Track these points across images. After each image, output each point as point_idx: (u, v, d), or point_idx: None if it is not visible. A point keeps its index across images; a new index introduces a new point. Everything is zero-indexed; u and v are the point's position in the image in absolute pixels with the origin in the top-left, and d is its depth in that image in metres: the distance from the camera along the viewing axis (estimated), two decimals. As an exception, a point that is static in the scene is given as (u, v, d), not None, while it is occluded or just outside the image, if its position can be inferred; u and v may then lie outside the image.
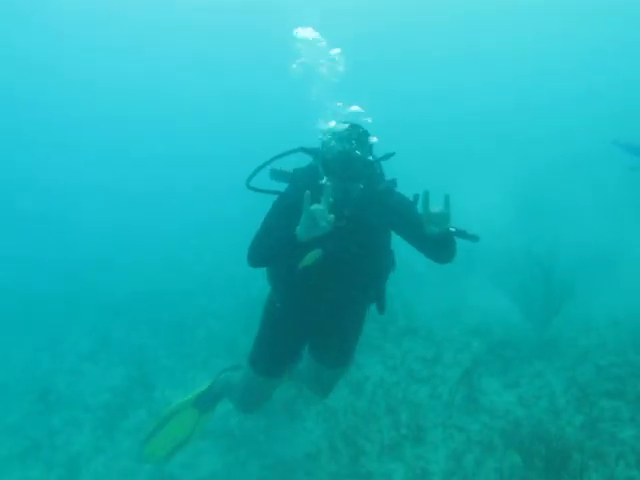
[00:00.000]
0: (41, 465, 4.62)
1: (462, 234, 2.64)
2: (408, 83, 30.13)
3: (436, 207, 2.46)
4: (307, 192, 2.32)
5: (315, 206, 2.35)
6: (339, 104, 2.84)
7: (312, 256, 2.56)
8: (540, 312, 5.80)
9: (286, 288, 2.96)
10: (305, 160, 2.96)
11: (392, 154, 2.85)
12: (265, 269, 3.05)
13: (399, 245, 3.02)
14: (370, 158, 2.73)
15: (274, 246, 2.63)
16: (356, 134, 2.68)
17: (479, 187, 11.67)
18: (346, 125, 2.72)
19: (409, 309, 6.94)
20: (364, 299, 3.06)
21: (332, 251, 2.65)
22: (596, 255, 7.64)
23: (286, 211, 2.71)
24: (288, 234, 2.46)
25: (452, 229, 2.58)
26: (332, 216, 2.35)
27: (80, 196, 21.99)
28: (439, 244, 2.64)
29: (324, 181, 2.64)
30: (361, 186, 2.72)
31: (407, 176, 3.37)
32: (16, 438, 5.00)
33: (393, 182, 2.88)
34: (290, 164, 2.95)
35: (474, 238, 2.64)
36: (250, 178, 2.86)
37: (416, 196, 2.71)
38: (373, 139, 2.76)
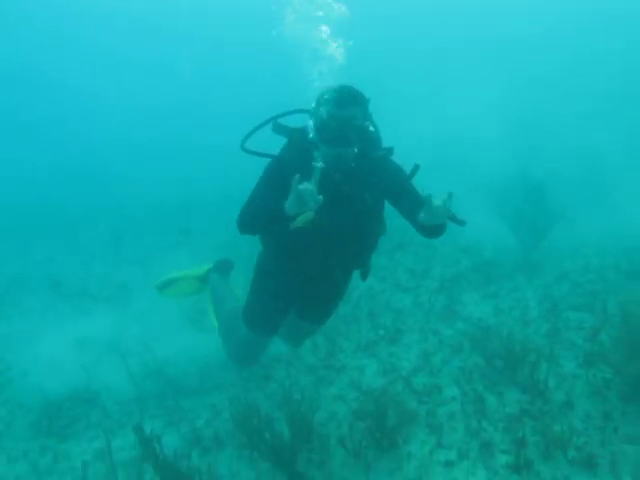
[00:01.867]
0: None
1: (451, 218, 2.61)
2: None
3: (438, 201, 2.42)
4: (296, 176, 2.29)
5: (304, 185, 2.30)
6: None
7: (304, 218, 2.58)
8: (529, 234, 5.97)
9: (277, 248, 3.01)
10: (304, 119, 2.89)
11: (391, 149, 2.83)
12: None
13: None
14: (367, 125, 2.69)
15: (263, 218, 2.65)
16: (351, 97, 2.61)
17: (476, 105, 11.49)
18: (341, 86, 2.65)
19: (405, 225, 7.14)
20: (351, 265, 3.14)
21: (324, 215, 2.67)
22: (592, 181, 7.66)
23: (278, 177, 2.69)
24: (277, 208, 2.45)
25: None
26: (320, 197, 2.32)
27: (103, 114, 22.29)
28: (432, 230, 2.69)
29: (316, 159, 2.61)
30: (355, 150, 2.67)
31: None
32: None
33: (389, 150, 2.84)
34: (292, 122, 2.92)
35: (462, 223, 2.63)
36: (245, 139, 2.83)
37: (415, 167, 2.74)
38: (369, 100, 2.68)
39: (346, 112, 2.57)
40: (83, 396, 4.17)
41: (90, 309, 5.66)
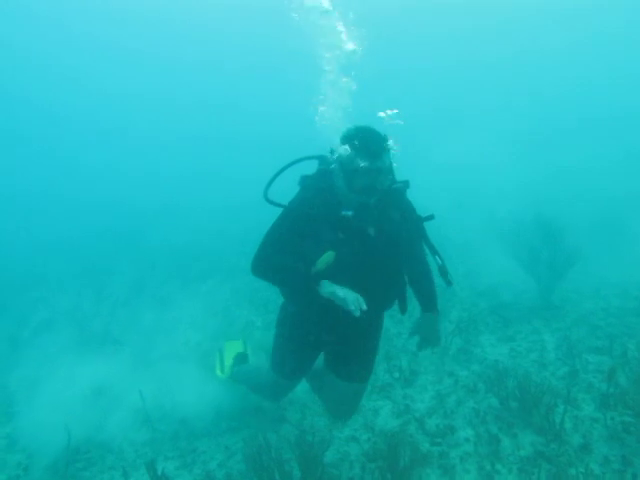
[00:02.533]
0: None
1: (442, 274, 2.77)
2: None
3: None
4: (330, 253, 2.49)
5: (354, 295, 2.43)
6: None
7: (325, 259, 2.52)
8: (546, 276, 5.93)
9: (299, 294, 2.85)
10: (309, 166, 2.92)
11: (407, 182, 2.80)
12: None
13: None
14: (393, 178, 2.75)
15: (284, 276, 2.67)
16: (380, 146, 2.57)
17: (489, 147, 11.62)
18: (366, 133, 2.60)
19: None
20: (382, 306, 2.99)
21: (350, 256, 2.61)
22: (609, 221, 7.61)
23: (301, 223, 2.64)
24: (302, 272, 2.54)
25: (439, 261, 2.78)
26: (365, 307, 2.41)
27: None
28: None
29: (345, 208, 2.60)
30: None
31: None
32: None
33: (406, 183, 2.80)
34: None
35: (449, 283, 2.77)
36: (267, 189, 2.80)
37: (430, 216, 2.77)
38: (393, 147, 2.65)
39: (378, 163, 2.55)
40: (99, 439, 4.21)
41: (111, 353, 5.77)
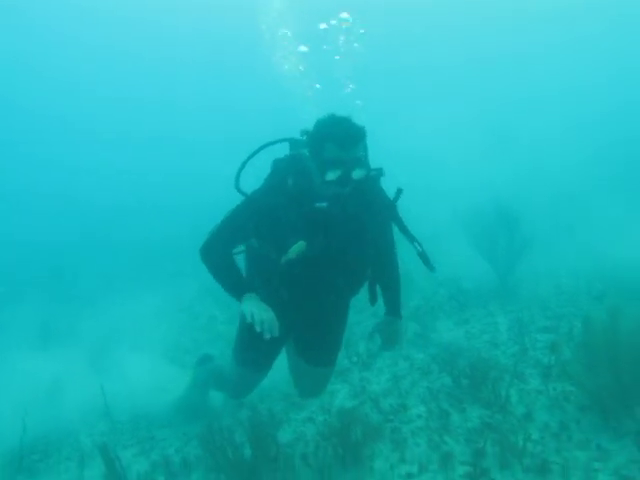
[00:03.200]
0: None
1: (424, 261, 2.79)
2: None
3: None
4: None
5: (269, 318, 2.39)
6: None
7: (296, 249, 2.51)
8: (503, 262, 6.12)
9: (266, 283, 2.77)
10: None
11: (381, 169, 2.71)
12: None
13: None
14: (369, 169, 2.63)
15: (220, 277, 2.65)
16: (356, 136, 2.49)
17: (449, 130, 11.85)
18: (340, 121, 2.51)
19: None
20: (350, 294, 2.99)
21: (321, 244, 2.59)
22: (565, 206, 7.88)
23: (266, 210, 2.60)
24: (233, 285, 2.60)
25: (418, 248, 2.77)
26: (276, 334, 2.39)
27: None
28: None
29: (319, 199, 2.53)
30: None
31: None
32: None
33: (380, 171, 2.71)
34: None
35: (432, 268, 2.80)
36: (237, 178, 2.75)
37: (398, 191, 2.72)
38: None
39: (352, 153, 2.46)
40: (57, 432, 4.19)
41: (72, 348, 5.73)
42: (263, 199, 2.64)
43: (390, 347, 3.24)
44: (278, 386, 4.41)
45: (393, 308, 3.12)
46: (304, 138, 2.68)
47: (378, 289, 3.08)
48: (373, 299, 3.04)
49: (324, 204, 2.51)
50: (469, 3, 25.17)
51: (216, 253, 2.68)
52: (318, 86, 2.96)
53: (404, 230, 2.82)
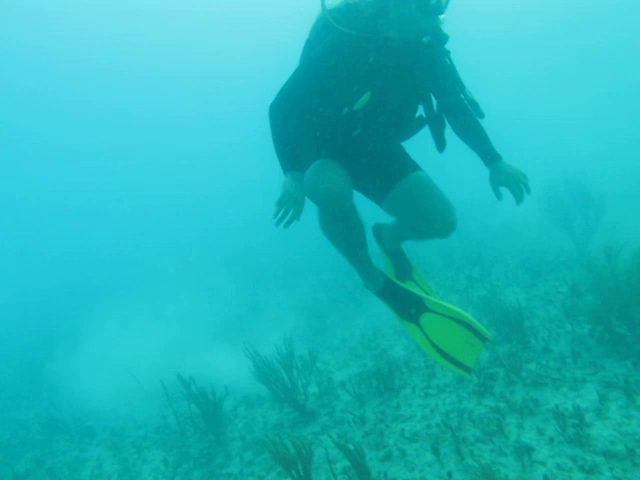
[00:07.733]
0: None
1: (474, 105, 2.62)
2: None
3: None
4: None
5: (296, 206, 2.30)
6: None
7: (363, 100, 2.50)
8: (580, 232, 6.22)
9: (332, 133, 2.67)
10: None
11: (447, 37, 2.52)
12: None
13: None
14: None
15: (278, 142, 2.48)
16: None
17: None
18: None
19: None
20: (400, 139, 2.90)
21: (380, 95, 2.53)
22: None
23: (337, 59, 2.42)
24: (288, 160, 2.43)
25: (469, 95, 2.60)
26: (286, 227, 2.30)
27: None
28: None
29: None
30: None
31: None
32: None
33: (445, 37, 2.51)
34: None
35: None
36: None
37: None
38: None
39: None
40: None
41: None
42: (337, 44, 2.44)
43: (522, 189, 2.61)
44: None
45: (489, 154, 2.68)
46: None
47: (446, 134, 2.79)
48: (440, 145, 2.76)
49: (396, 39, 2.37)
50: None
51: (284, 111, 2.53)
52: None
53: (455, 76, 2.62)
